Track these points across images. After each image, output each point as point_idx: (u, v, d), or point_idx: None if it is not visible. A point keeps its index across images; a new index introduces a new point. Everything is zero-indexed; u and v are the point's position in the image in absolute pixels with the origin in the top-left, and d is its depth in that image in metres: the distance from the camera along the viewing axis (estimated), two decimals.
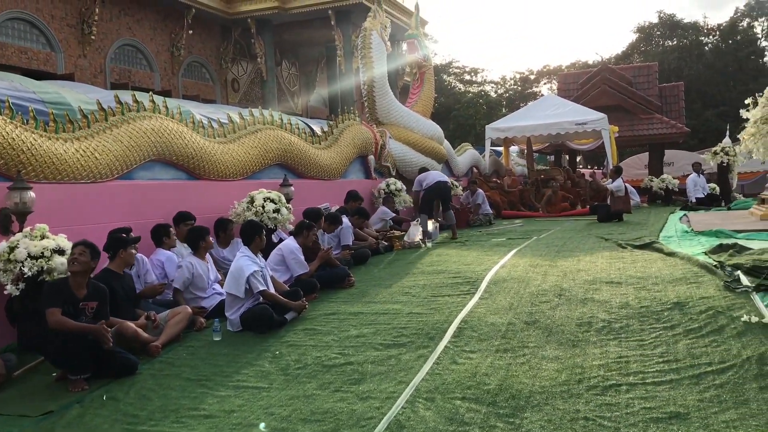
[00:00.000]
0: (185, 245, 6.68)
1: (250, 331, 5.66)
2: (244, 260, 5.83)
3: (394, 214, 11.02)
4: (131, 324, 5.20)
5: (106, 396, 4.43)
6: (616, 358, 4.38)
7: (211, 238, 6.58)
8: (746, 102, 5.08)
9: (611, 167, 17.60)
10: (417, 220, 10.35)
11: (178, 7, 17.88)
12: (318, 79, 23.96)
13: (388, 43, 13.14)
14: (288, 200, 8.55)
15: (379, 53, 12.66)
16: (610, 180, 13.32)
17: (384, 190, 11.66)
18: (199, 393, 4.38)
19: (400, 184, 11.89)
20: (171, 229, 6.78)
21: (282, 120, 9.79)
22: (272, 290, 5.97)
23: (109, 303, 4.99)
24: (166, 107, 7.73)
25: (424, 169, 11.90)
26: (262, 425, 3.76)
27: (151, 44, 17.86)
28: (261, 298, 5.82)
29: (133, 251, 5.70)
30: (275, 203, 8.03)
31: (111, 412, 4.18)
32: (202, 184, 8.06)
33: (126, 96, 7.47)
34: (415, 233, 9.86)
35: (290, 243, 6.91)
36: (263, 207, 7.89)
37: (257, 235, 6.04)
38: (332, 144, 10.87)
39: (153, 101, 7.58)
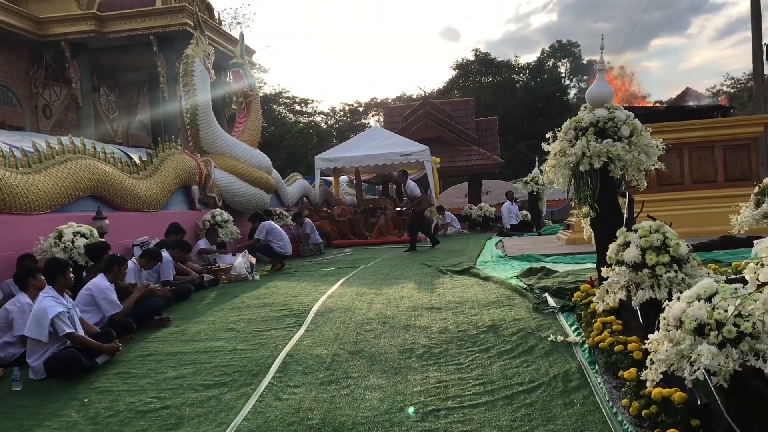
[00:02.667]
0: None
1: (56, 379, 5.18)
2: (47, 301, 5.34)
3: (212, 247, 10.61)
4: None
5: None
6: (435, 383, 4.50)
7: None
8: (547, 136, 5.48)
9: (434, 197, 18.43)
10: (244, 253, 10.11)
11: None
12: (140, 106, 22.87)
13: (212, 71, 12.84)
14: (101, 234, 8.00)
15: (202, 81, 12.33)
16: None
17: (209, 221, 11.28)
18: None
19: (226, 215, 11.57)
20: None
21: (95, 148, 9.19)
22: (81, 332, 5.51)
23: None
24: None
25: (260, 217, 11.69)
26: None
27: None
28: (68, 342, 5.35)
29: None
30: (86, 238, 7.48)
31: None
32: (1, 219, 7.32)
33: None
34: (242, 266, 9.62)
35: (100, 281, 6.41)
36: (73, 242, 7.32)
37: (61, 274, 5.56)
38: (152, 174, 10.37)
39: None
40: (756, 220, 5.31)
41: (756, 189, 5.58)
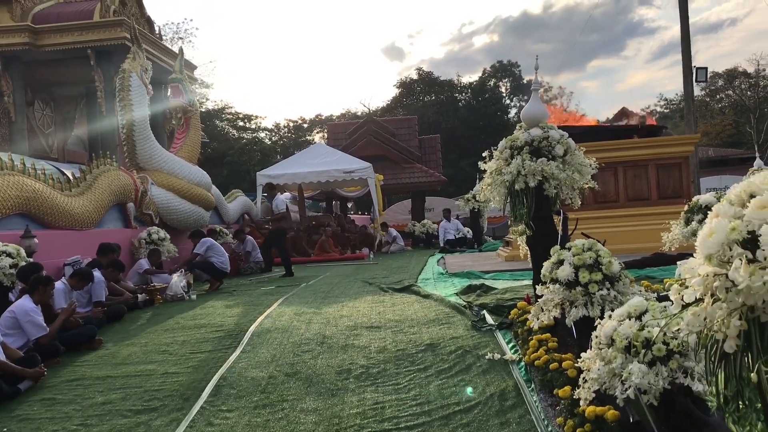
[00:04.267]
0: None
1: None
2: None
3: (151, 267, 10.33)
4: None
5: None
6: (372, 404, 4.42)
7: None
8: (483, 154, 5.52)
9: (378, 214, 18.44)
10: (181, 271, 9.86)
11: None
12: (77, 121, 22.18)
13: (150, 86, 12.56)
14: (30, 254, 7.66)
15: (139, 96, 12.04)
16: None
17: (145, 239, 10.97)
18: None
19: (163, 233, 11.27)
20: None
21: (24, 165, 8.85)
22: (2, 357, 5.24)
23: None
24: None
25: (201, 234, 11.42)
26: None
27: None
28: None
29: None
30: (12, 257, 7.15)
31: None
32: None
33: None
34: (178, 285, 9.37)
35: (24, 303, 6.11)
36: None
37: None
38: (85, 191, 10.03)
39: None
40: (686, 238, 5.44)
41: (686, 207, 5.72)
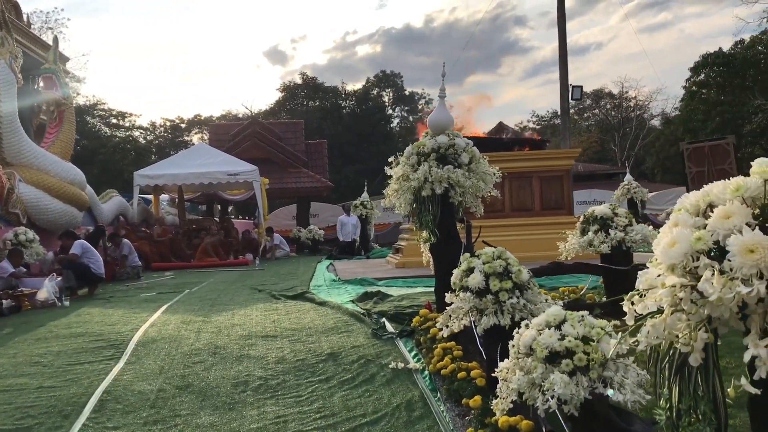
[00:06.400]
0: None
1: None
2: None
3: (12, 270, 9.48)
4: None
5: None
6: (273, 418, 4.19)
7: None
8: (389, 160, 5.43)
9: (262, 219, 18.02)
10: (52, 276, 9.11)
11: None
12: None
13: (20, 76, 11.59)
14: None
15: (8, 85, 11.07)
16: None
17: (11, 240, 10.07)
18: None
19: (31, 234, 10.40)
20: None
21: None
22: None
23: None
24: None
25: (73, 234, 10.62)
26: None
27: None
28: None
29: None
30: None
31: None
32: None
33: None
34: (49, 290, 8.64)
35: None
36: None
37: None
38: None
39: None
40: (582, 248, 5.61)
41: (581, 218, 5.91)
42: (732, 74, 32.80)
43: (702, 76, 35.14)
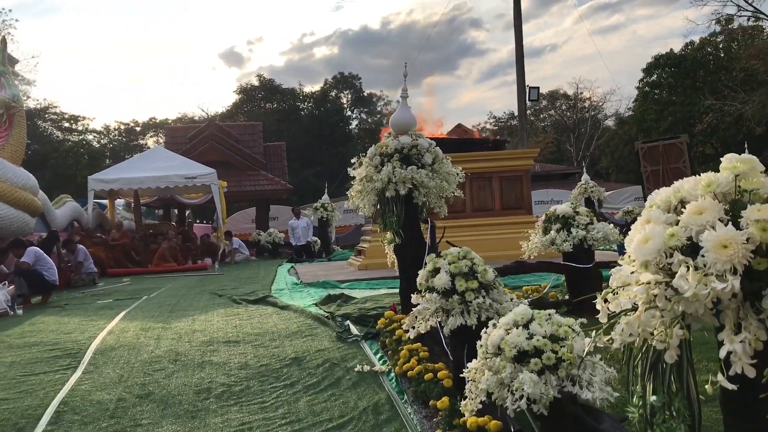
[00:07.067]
0: None
1: None
2: None
3: None
4: None
5: None
6: (238, 425, 4.11)
7: None
8: (352, 161, 5.39)
9: (221, 223, 17.78)
10: (4, 283, 8.82)
11: None
12: None
13: None
14: None
15: None
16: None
17: None
18: None
19: None
20: None
21: None
22: None
23: None
24: None
25: (22, 243, 10.29)
26: None
27: None
28: None
29: None
30: None
31: None
32: None
33: None
34: (1, 299, 8.36)
35: None
36: None
37: None
38: None
39: None
40: (545, 246, 5.64)
41: (543, 217, 5.95)
42: (683, 75, 33.67)
43: (654, 77, 36.01)
